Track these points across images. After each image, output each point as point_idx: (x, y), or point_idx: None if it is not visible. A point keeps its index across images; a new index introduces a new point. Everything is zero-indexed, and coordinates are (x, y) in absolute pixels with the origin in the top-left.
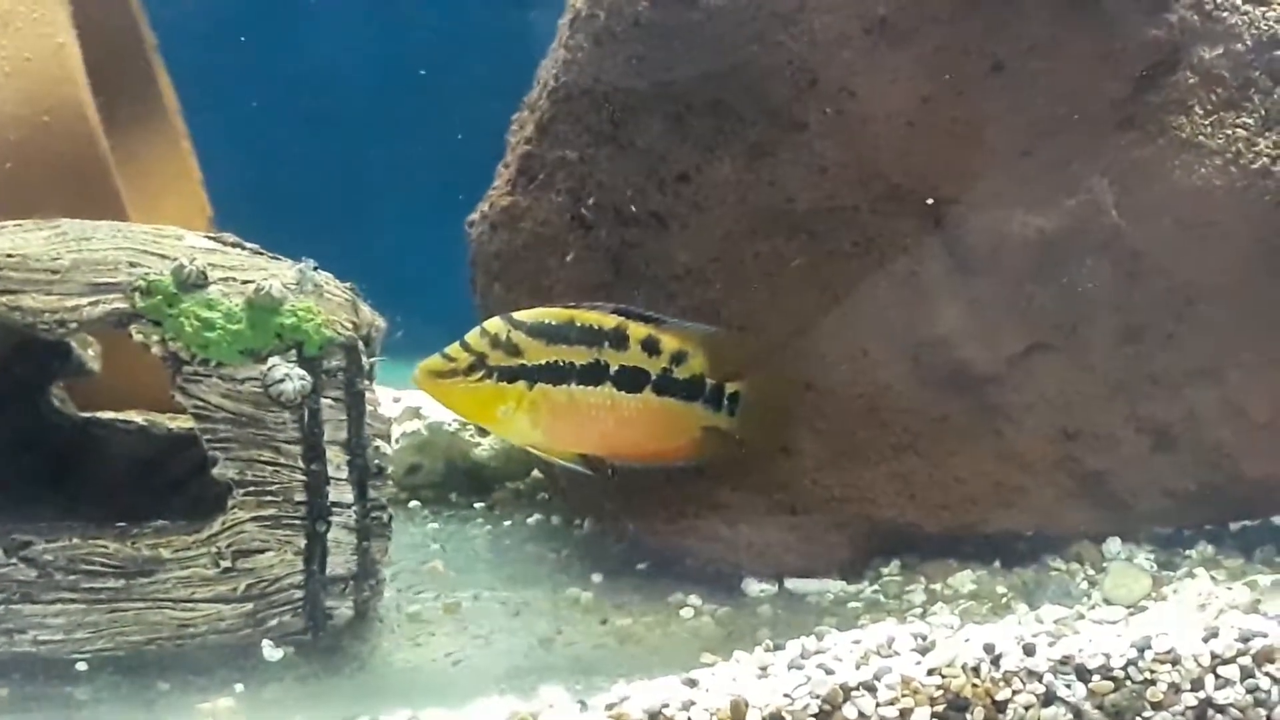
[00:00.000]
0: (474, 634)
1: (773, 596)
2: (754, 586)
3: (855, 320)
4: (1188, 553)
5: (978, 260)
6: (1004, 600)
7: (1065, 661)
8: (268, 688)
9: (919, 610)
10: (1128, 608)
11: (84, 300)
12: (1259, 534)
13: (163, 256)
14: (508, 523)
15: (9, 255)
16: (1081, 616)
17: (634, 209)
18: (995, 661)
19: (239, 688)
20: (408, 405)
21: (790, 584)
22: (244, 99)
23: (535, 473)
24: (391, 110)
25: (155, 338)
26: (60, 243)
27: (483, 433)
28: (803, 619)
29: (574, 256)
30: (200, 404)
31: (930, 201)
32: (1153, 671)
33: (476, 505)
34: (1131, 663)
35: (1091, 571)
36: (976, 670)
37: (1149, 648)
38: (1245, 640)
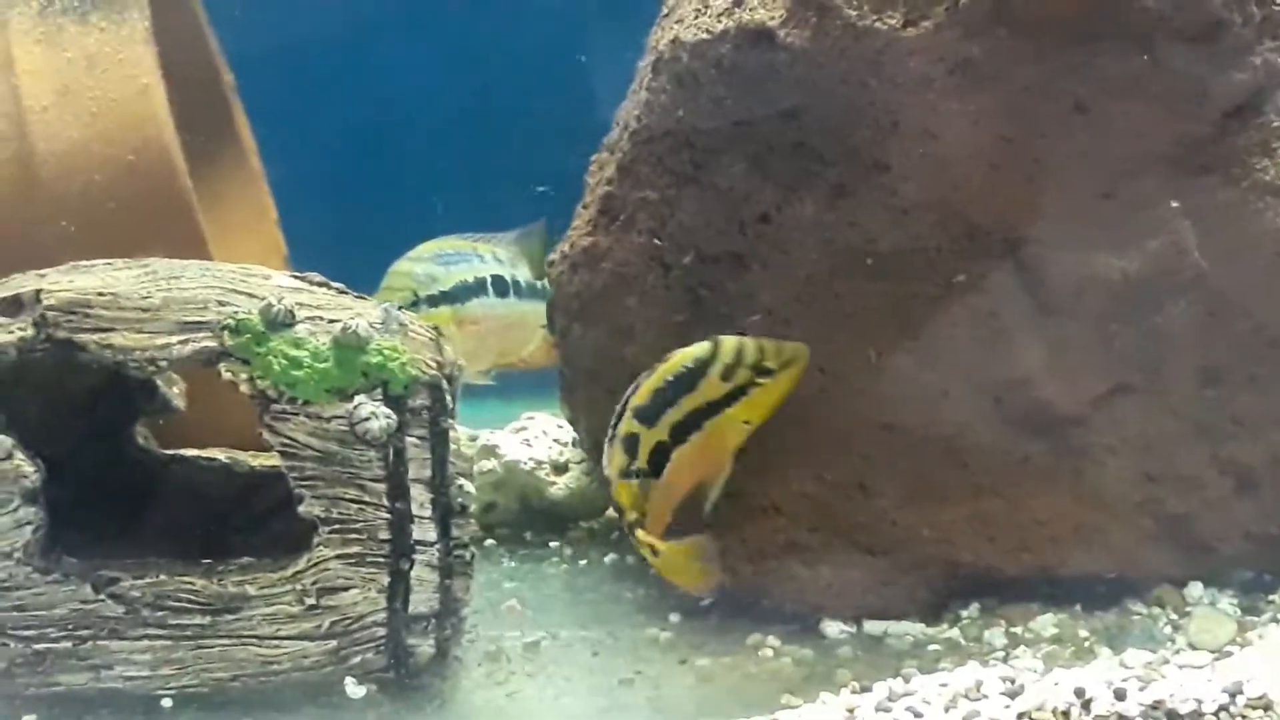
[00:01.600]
0: (553, 673)
1: (851, 638)
2: (833, 628)
3: (935, 361)
4: (1271, 598)
5: (1059, 301)
6: (1086, 644)
7: (1156, 706)
8: None
9: (1000, 653)
10: (1213, 653)
11: (174, 339)
12: None
13: (251, 295)
14: (583, 562)
15: (100, 294)
16: (1166, 661)
17: (713, 249)
18: (1086, 706)
19: None
20: (484, 444)
21: (869, 626)
22: (318, 138)
23: (610, 512)
24: (463, 151)
25: (244, 376)
26: (150, 281)
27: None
28: (882, 661)
29: (653, 297)
30: (287, 442)
31: (1012, 242)
32: (1244, 717)
33: (552, 544)
34: (1224, 708)
35: (1174, 616)
36: (1067, 715)
37: (1241, 693)
38: None
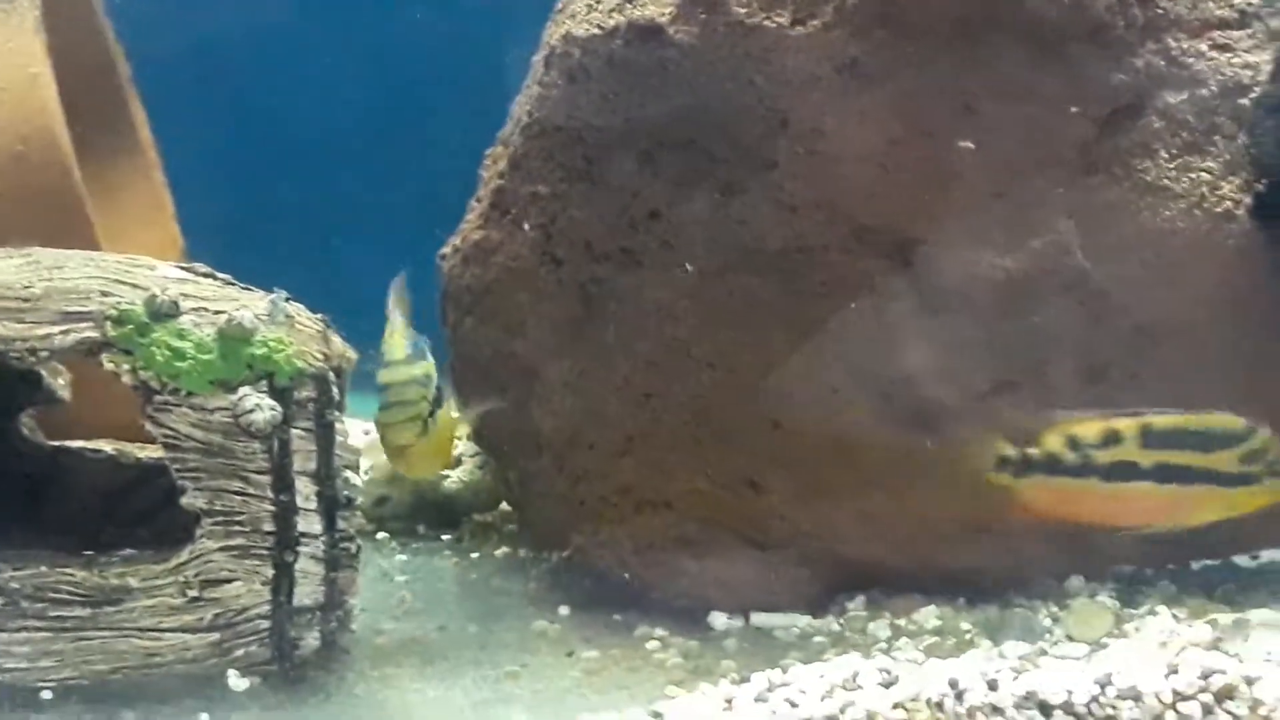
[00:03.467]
0: (439, 666)
1: (739, 631)
2: (720, 621)
3: (824, 359)
4: (1150, 591)
5: (946, 300)
6: (967, 636)
7: (1029, 697)
8: (233, 717)
9: (883, 645)
10: (1090, 645)
11: (55, 329)
12: (1220, 573)
13: (135, 286)
14: (476, 555)
15: None
16: (1044, 653)
17: (604, 245)
18: (959, 696)
19: (204, 717)
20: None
21: (756, 619)
22: (217, 131)
23: (504, 505)
24: (365, 145)
25: (126, 367)
26: (32, 271)
27: None
28: (768, 653)
29: (544, 292)
30: (170, 433)
31: (899, 242)
32: (1114, 708)
33: (445, 538)
34: (1094, 699)
35: (1055, 609)
36: (940, 705)
37: (1110, 684)
38: (1205, 677)
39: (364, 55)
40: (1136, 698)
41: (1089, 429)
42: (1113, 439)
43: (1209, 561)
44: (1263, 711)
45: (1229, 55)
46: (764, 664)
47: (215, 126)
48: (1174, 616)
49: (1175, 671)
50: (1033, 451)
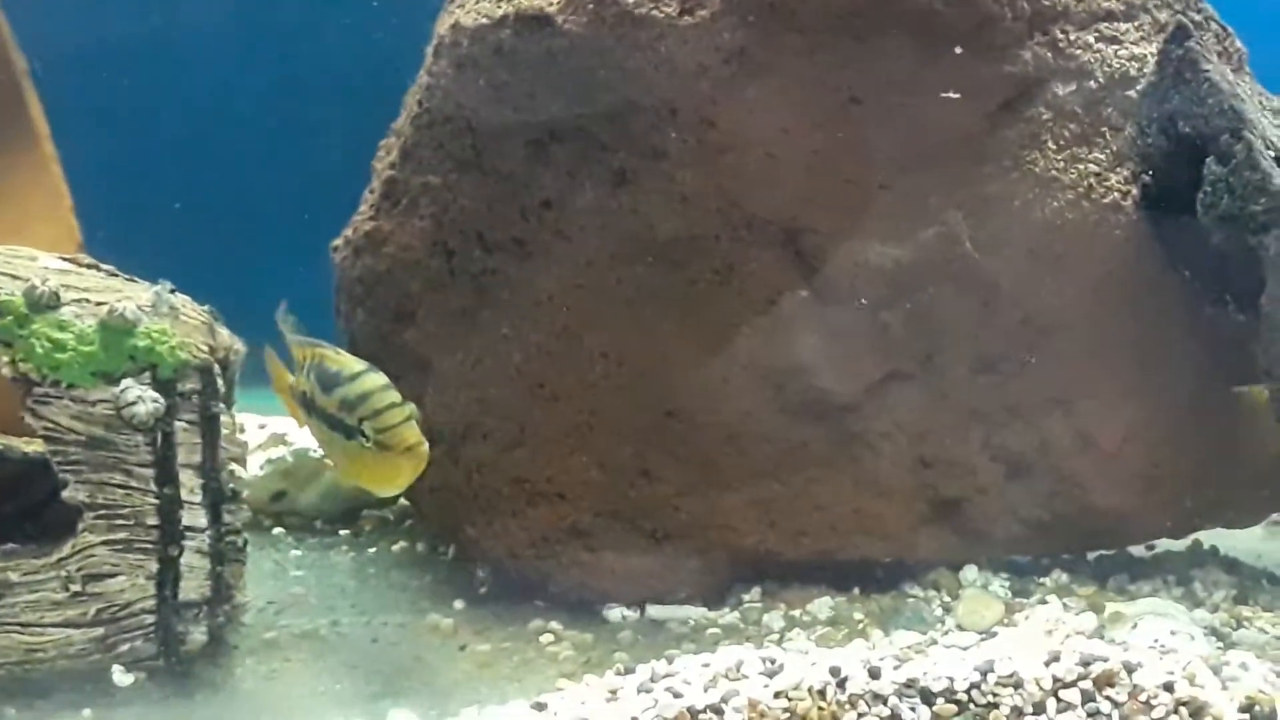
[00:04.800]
0: (330, 661)
1: (634, 623)
2: (615, 613)
3: (715, 349)
4: (1042, 580)
5: (835, 290)
6: (860, 626)
7: (910, 685)
8: (117, 713)
9: (776, 636)
10: (979, 634)
11: None
12: (1114, 563)
13: (14, 277)
14: (372, 550)
15: None
16: (934, 642)
17: (496, 235)
18: (841, 684)
19: (87, 713)
20: (273, 432)
21: (652, 610)
22: (114, 124)
23: (402, 500)
24: (258, 136)
25: (5, 359)
26: None
27: None
28: (661, 645)
29: (436, 282)
30: (51, 426)
31: (789, 232)
32: (996, 695)
33: (342, 533)
34: (975, 686)
35: (947, 598)
36: (823, 693)
37: (992, 671)
38: (1086, 664)
39: (258, 48)
40: (1018, 685)
41: None
42: None
43: (1104, 552)
44: (1143, 698)
45: (1116, 47)
46: (657, 656)
47: (112, 122)
48: (1064, 606)
49: (1057, 659)
50: None
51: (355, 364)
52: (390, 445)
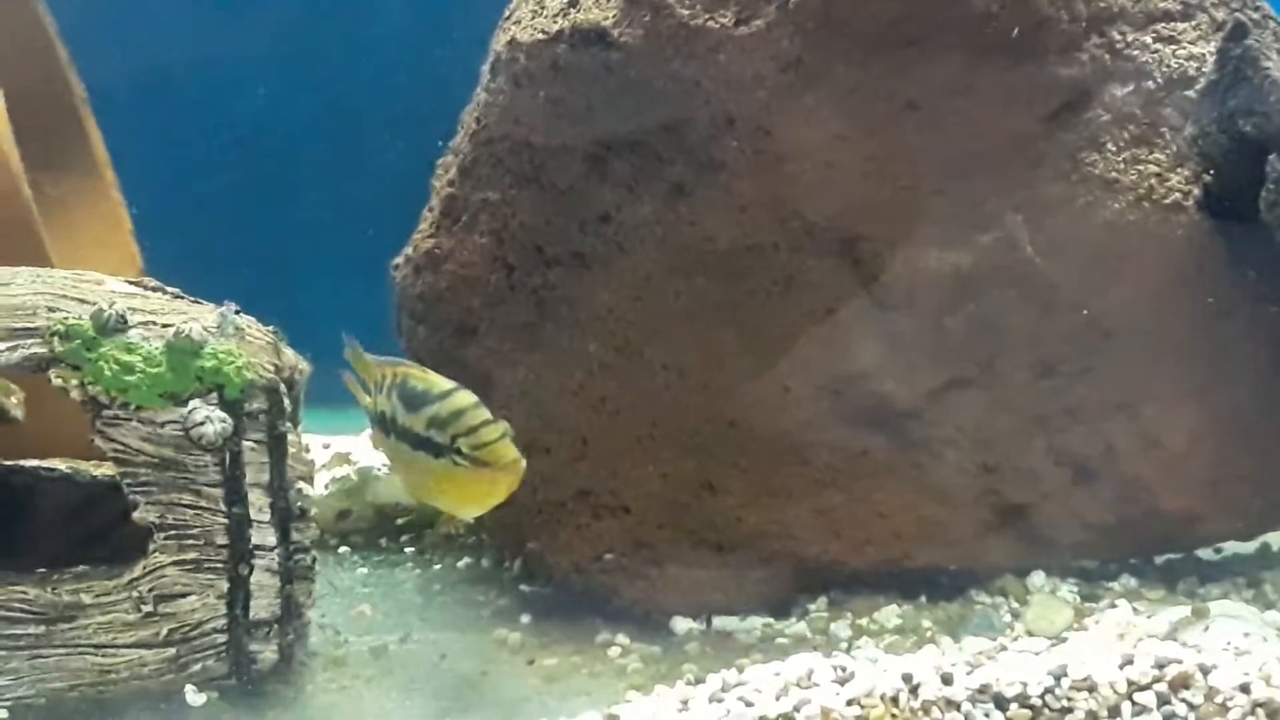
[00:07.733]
0: (399, 677)
1: (701, 634)
2: (682, 624)
3: (775, 358)
4: (1111, 585)
5: (895, 297)
6: (928, 634)
7: (983, 690)
8: None
9: (845, 645)
10: (1050, 639)
11: (2, 345)
12: (1183, 566)
13: (82, 301)
14: (437, 566)
15: None
16: (1004, 648)
17: (555, 249)
18: (914, 691)
19: None
20: (337, 451)
21: (718, 622)
22: (173, 148)
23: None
24: (319, 159)
25: (74, 382)
26: None
27: None
28: (729, 655)
29: (496, 298)
30: (120, 448)
31: (847, 239)
32: (1070, 699)
33: (407, 550)
34: (1049, 690)
35: (1015, 604)
36: (895, 700)
37: (1066, 675)
38: (1161, 667)
39: (315, 69)
40: (1092, 688)
41: None
42: None
43: (1172, 555)
44: (1219, 700)
45: (1174, 47)
46: (726, 667)
47: (172, 146)
48: (1134, 610)
49: (1130, 662)
50: None
51: (443, 382)
52: (488, 462)
